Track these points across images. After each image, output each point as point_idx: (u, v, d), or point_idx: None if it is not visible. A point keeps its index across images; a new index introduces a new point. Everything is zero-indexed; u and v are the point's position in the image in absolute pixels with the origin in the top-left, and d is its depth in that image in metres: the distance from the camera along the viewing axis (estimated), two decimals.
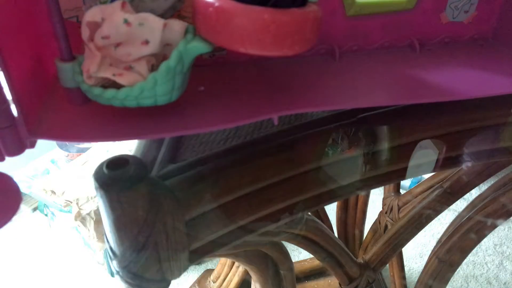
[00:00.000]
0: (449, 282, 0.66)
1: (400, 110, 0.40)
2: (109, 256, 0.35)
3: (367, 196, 0.86)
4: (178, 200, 0.34)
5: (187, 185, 0.35)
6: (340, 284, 0.66)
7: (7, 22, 0.28)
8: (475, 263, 1.27)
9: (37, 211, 1.37)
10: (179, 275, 0.37)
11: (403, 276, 0.86)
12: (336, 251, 0.57)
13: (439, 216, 0.63)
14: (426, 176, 0.66)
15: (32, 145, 0.30)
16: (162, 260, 0.34)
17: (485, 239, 0.62)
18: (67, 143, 1.34)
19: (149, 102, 0.30)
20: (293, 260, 0.54)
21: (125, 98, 0.29)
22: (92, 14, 0.28)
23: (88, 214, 1.13)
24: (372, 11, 0.40)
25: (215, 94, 0.36)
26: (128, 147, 1.15)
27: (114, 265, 0.35)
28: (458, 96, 0.35)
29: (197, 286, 1.05)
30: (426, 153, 0.41)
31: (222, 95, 0.35)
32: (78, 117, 0.32)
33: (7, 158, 0.29)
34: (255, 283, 0.54)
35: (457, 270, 0.65)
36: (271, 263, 0.52)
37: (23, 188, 1.28)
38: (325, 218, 0.90)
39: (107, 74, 0.29)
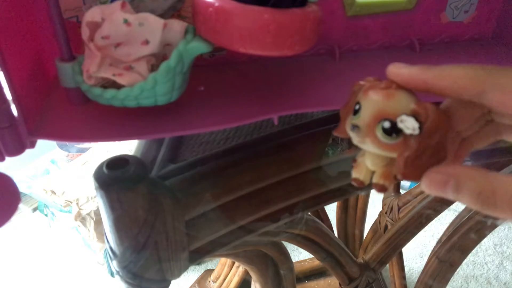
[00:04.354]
0: (449, 282, 0.66)
1: None
2: (109, 256, 0.35)
3: (367, 196, 0.86)
4: (178, 200, 0.34)
5: (187, 185, 0.35)
6: (340, 284, 0.66)
7: (7, 22, 0.28)
8: (475, 263, 1.27)
9: (37, 211, 1.37)
10: (179, 275, 0.37)
11: (403, 276, 0.86)
12: (336, 251, 0.57)
13: (439, 216, 0.63)
14: None
15: (32, 145, 0.30)
16: (162, 260, 0.34)
17: (485, 239, 0.61)
18: (67, 143, 1.34)
19: (149, 102, 0.30)
20: (293, 260, 0.54)
21: (125, 98, 0.29)
22: (92, 14, 0.28)
23: (88, 214, 1.12)
24: (372, 11, 0.40)
25: (215, 94, 0.36)
26: (128, 147, 1.15)
27: (114, 265, 0.35)
28: None
29: (197, 286, 1.05)
30: None
31: (222, 95, 0.35)
32: (78, 117, 0.32)
33: (7, 158, 0.29)
34: (255, 283, 0.54)
35: (457, 270, 0.65)
36: (271, 263, 0.52)
37: (23, 188, 1.28)
38: (325, 218, 0.90)
39: (107, 74, 0.29)
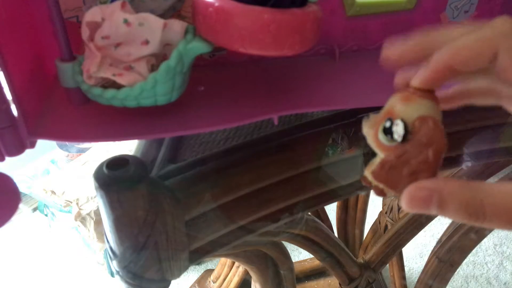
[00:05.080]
0: (449, 282, 0.66)
1: None
2: (109, 256, 0.35)
3: (367, 196, 0.86)
4: (178, 200, 0.34)
5: (187, 185, 0.35)
6: (340, 284, 0.66)
7: (7, 22, 0.28)
8: (475, 263, 1.27)
9: (37, 211, 1.37)
10: (179, 275, 0.37)
11: (403, 276, 0.86)
12: (336, 251, 0.57)
13: (439, 216, 0.63)
14: None
15: (32, 145, 0.30)
16: (162, 260, 0.34)
17: (485, 239, 0.61)
18: (67, 143, 1.34)
19: (149, 102, 0.30)
20: (293, 260, 0.54)
21: (125, 98, 0.29)
22: (92, 14, 0.28)
23: (88, 214, 1.12)
24: (372, 11, 0.40)
25: (215, 94, 0.36)
26: (128, 147, 1.15)
27: (114, 265, 0.35)
28: None
29: (197, 286, 1.05)
30: None
31: (222, 95, 0.35)
32: (78, 117, 0.32)
33: (7, 158, 0.29)
34: (255, 283, 0.54)
35: (457, 270, 0.65)
36: (271, 263, 0.52)
37: (23, 188, 1.28)
38: (325, 218, 0.90)
39: (107, 74, 0.29)
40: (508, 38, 0.19)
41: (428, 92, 0.22)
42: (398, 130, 0.20)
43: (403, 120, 0.21)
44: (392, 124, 0.21)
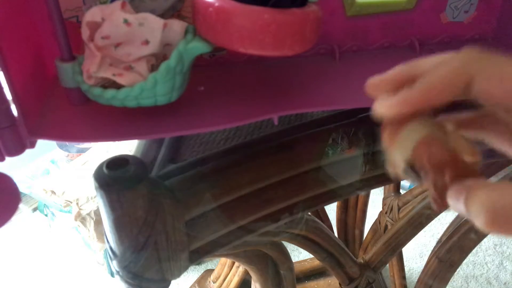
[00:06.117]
0: (449, 282, 0.66)
1: None
2: (109, 256, 0.35)
3: (367, 196, 0.86)
4: (178, 200, 0.34)
5: (187, 185, 0.35)
6: (340, 284, 0.66)
7: (7, 22, 0.28)
8: (475, 263, 1.27)
9: (37, 211, 1.37)
10: (179, 275, 0.37)
11: (403, 276, 0.86)
12: (336, 251, 0.57)
13: (439, 216, 0.63)
14: None
15: (32, 145, 0.30)
16: (162, 260, 0.34)
17: (485, 239, 0.62)
18: (67, 143, 1.34)
19: (149, 102, 0.30)
20: (293, 260, 0.54)
21: (125, 98, 0.29)
22: (92, 14, 0.28)
23: (88, 214, 1.12)
24: (372, 11, 0.40)
25: (215, 94, 0.36)
26: (128, 147, 1.15)
27: (114, 265, 0.35)
28: None
29: (197, 286, 1.05)
30: None
31: (222, 95, 0.35)
32: (78, 117, 0.32)
33: (7, 158, 0.29)
34: (255, 283, 0.54)
35: (457, 270, 0.65)
36: (271, 263, 0.52)
37: (23, 188, 1.28)
38: (325, 218, 0.90)
39: (107, 74, 0.29)
40: (479, 65, 0.20)
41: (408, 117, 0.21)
42: (410, 177, 0.20)
43: (408, 164, 0.20)
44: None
